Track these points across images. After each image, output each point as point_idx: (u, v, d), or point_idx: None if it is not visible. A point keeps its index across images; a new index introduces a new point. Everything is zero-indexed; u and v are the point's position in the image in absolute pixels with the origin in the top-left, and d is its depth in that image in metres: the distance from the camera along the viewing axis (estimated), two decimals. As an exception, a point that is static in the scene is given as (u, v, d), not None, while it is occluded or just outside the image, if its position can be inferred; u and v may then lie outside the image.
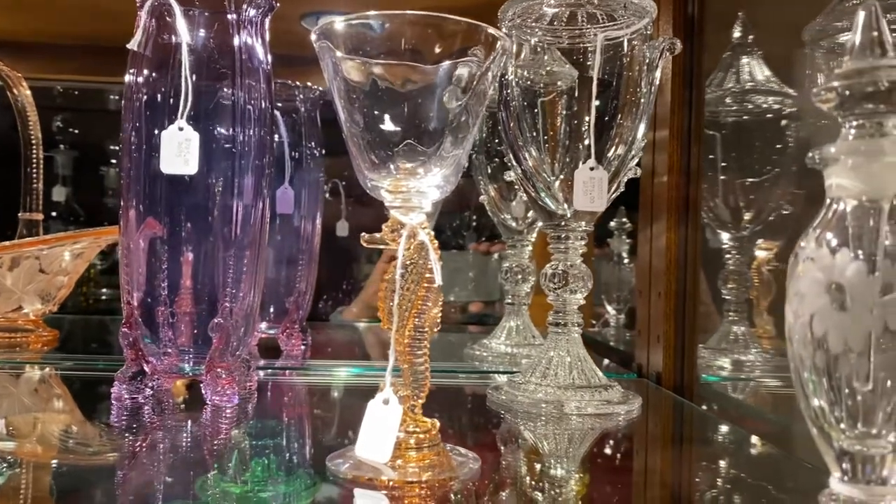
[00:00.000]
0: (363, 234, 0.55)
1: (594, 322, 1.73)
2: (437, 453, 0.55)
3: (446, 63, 0.53)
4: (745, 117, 1.14)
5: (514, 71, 0.84)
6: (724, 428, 0.81)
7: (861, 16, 0.40)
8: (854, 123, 0.39)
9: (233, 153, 0.75)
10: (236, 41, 0.75)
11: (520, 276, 1.15)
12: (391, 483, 0.52)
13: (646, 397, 0.94)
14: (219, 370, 0.73)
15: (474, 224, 2.00)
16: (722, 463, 0.68)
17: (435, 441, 0.55)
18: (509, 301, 1.17)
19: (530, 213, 1.12)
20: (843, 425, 0.39)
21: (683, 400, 0.92)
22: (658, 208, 1.02)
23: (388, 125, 0.53)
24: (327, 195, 1.47)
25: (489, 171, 1.16)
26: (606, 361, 1.19)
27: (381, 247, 0.54)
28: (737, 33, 1.15)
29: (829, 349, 0.38)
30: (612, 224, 1.66)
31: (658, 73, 0.81)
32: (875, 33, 0.39)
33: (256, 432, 0.69)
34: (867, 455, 0.39)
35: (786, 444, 0.75)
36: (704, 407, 0.94)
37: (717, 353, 1.11)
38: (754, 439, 0.73)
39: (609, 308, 1.67)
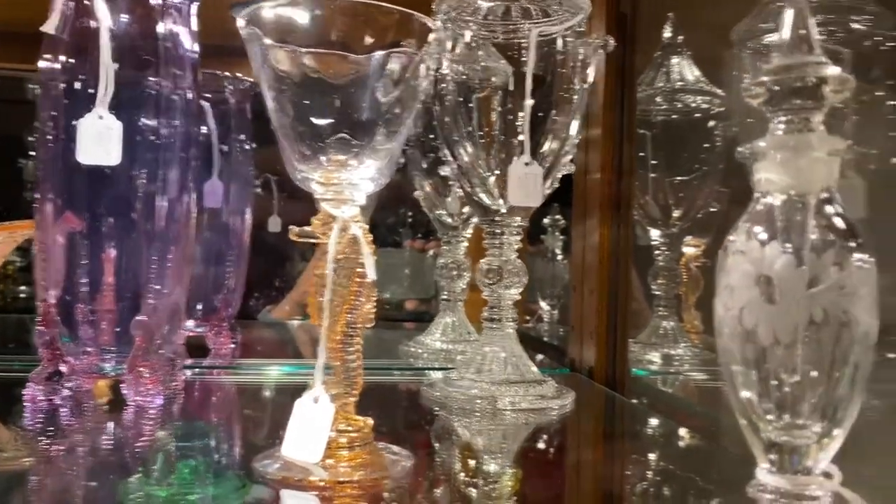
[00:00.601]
0: (292, 227, 0.53)
1: (528, 318, 1.74)
2: (370, 452, 0.54)
3: (379, 53, 0.52)
4: (674, 116, 1.16)
5: (448, 65, 0.83)
6: (653, 421, 0.83)
7: (789, 14, 0.40)
8: (783, 119, 0.40)
9: (156, 145, 0.72)
10: (161, 27, 0.72)
11: (455, 273, 1.15)
12: (322, 483, 0.51)
13: (579, 392, 0.95)
14: (141, 369, 0.70)
15: (410, 220, 1.99)
16: (651, 455, 0.69)
17: (367, 439, 0.54)
18: (445, 297, 1.16)
19: (466, 209, 1.12)
20: (770, 416, 0.39)
21: (615, 394, 0.94)
22: (591, 205, 1.03)
23: (318, 116, 0.52)
24: (259, 190, 1.43)
25: (424, 165, 1.15)
26: (540, 357, 1.19)
27: (311, 241, 0.53)
28: (667, 33, 1.17)
29: (758, 341, 0.38)
30: (546, 221, 1.67)
31: (591, 71, 0.81)
32: (803, 31, 0.39)
33: (182, 433, 0.67)
34: (794, 445, 0.39)
35: (714, 435, 0.77)
36: (635, 401, 0.95)
37: (648, 348, 1.13)
38: (683, 432, 0.75)
39: (543, 304, 1.68)
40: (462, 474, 0.59)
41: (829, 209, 0.39)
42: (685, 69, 1.14)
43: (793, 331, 0.37)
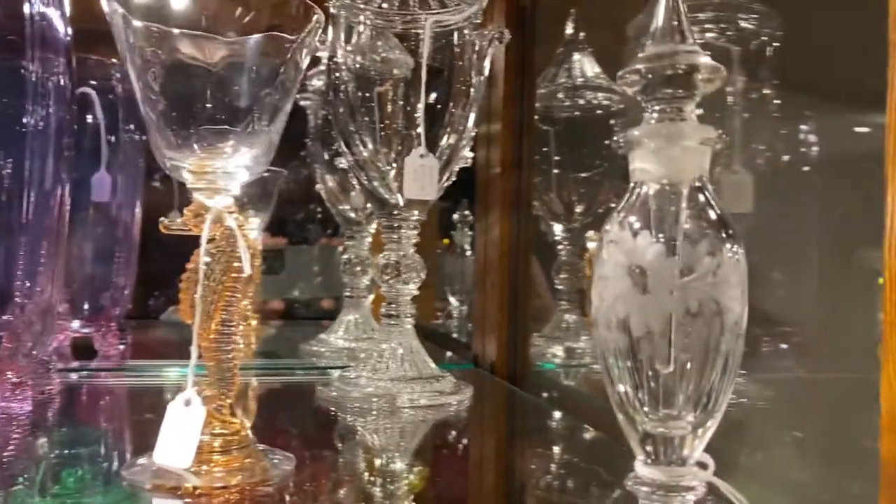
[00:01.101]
0: (162, 219, 0.50)
1: (439, 314, 1.73)
2: (248, 455, 0.51)
3: (255, 37, 0.49)
4: (576, 113, 1.16)
5: (343, 55, 0.81)
6: (549, 415, 0.83)
7: (662, 3, 0.40)
8: (656, 108, 0.39)
9: (24, 133, 0.67)
10: (28, 9, 0.67)
11: (359, 269, 1.12)
12: (196, 491, 0.48)
13: (480, 387, 0.94)
14: (8, 373, 0.65)
15: (319, 216, 1.95)
16: (543, 450, 0.69)
17: (245, 443, 0.51)
18: (348, 294, 1.14)
19: (370, 204, 1.10)
20: (646, 408, 0.39)
21: (515, 388, 0.93)
22: (492, 200, 1.02)
23: (189, 102, 0.49)
24: (158, 183, 1.37)
25: (326, 159, 1.12)
26: (449, 354, 1.18)
27: (183, 233, 0.50)
28: (569, 30, 1.17)
29: (631, 331, 0.37)
30: (456, 216, 1.66)
31: (487, 63, 0.81)
32: (675, 21, 0.39)
33: (53, 440, 0.62)
34: (668, 437, 0.39)
35: (612, 428, 0.77)
36: (545, 395, 0.95)
37: (551, 341, 1.13)
38: (579, 425, 0.75)
39: (452, 300, 1.67)
40: (350, 475, 0.58)
41: (701, 199, 0.39)
42: (586, 66, 1.15)
43: (664, 320, 0.37)
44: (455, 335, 1.53)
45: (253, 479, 0.49)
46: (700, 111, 0.93)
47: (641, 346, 0.38)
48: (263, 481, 0.50)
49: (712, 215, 0.39)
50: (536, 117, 1.16)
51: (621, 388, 0.39)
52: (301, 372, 1.02)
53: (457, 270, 1.68)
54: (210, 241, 0.50)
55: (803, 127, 0.85)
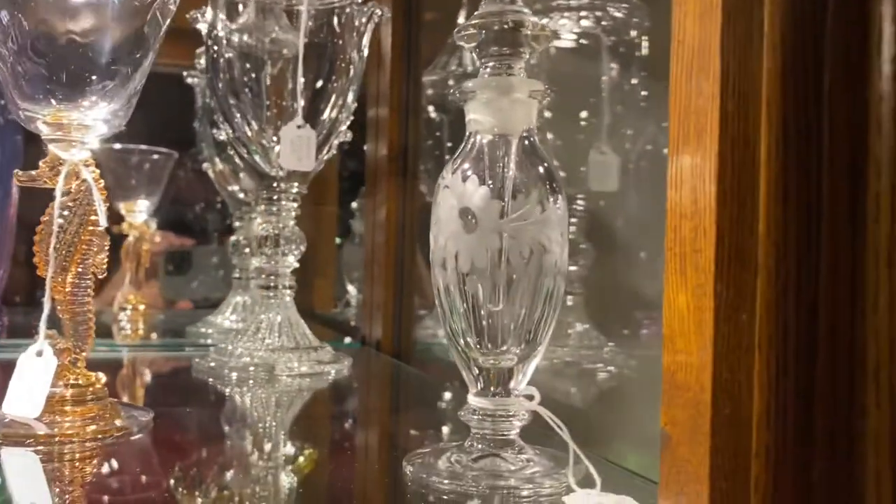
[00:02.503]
0: (16, 171, 0.50)
1: (337, 303, 1.73)
2: (103, 407, 0.51)
3: (115, -8, 0.50)
4: (468, 101, 1.19)
5: (225, 30, 0.81)
6: (426, 382, 0.85)
7: (496, -34, 0.43)
8: (489, 64, 0.42)
9: None
10: None
11: (247, 250, 1.12)
12: (53, 439, 0.48)
13: (365, 362, 0.96)
14: None
15: (219, 207, 1.92)
16: (409, 406, 0.71)
17: (100, 395, 0.51)
18: (237, 276, 1.14)
19: (250, 177, 1.09)
20: (478, 345, 0.42)
21: (398, 362, 0.95)
22: (380, 184, 1.04)
23: (47, 53, 0.49)
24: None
25: (216, 138, 1.11)
26: (348, 339, 1.20)
27: (37, 186, 0.50)
28: (461, 19, 1.21)
29: (459, 269, 0.40)
30: (355, 205, 1.67)
31: (366, 40, 0.82)
32: (507, -16, 0.42)
33: None
34: (498, 369, 0.42)
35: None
36: (443, 374, 0.98)
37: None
38: (445, 386, 0.78)
39: (351, 288, 1.68)
40: (212, 433, 0.58)
41: (529, 149, 0.42)
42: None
43: (489, 258, 0.40)
44: (353, 323, 1.54)
45: (107, 428, 0.50)
46: (584, 114, 0.97)
47: (470, 283, 0.40)
48: (119, 430, 0.50)
49: (539, 165, 0.42)
50: (430, 105, 1.19)
51: (454, 325, 0.42)
52: (189, 349, 1.01)
53: (355, 259, 1.69)
54: (65, 194, 0.50)
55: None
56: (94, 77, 0.50)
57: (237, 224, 1.14)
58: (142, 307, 1.29)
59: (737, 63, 0.31)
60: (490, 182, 0.41)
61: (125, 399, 0.68)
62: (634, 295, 0.90)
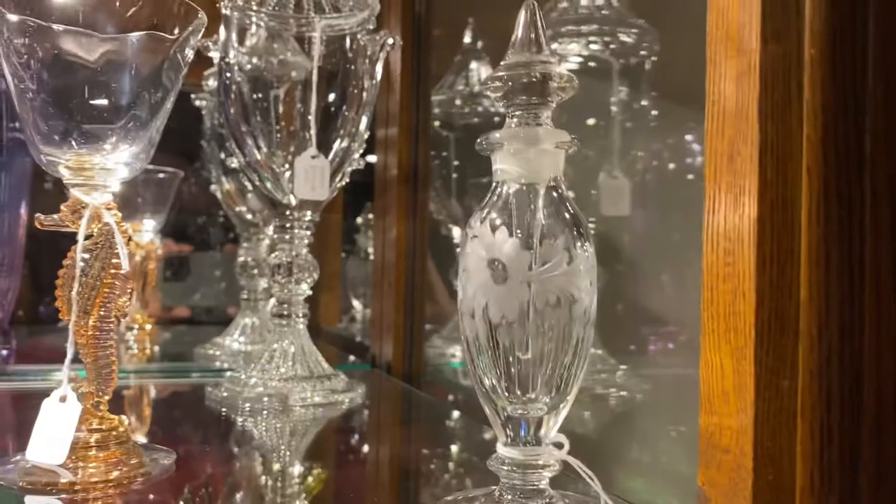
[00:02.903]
0: (38, 215, 0.50)
1: (343, 318, 1.73)
2: (126, 451, 0.51)
3: (134, 34, 0.49)
4: (475, 119, 1.20)
5: (236, 56, 0.81)
6: (441, 410, 0.85)
7: (522, 15, 0.43)
8: (516, 113, 0.42)
9: None
10: None
11: (255, 271, 1.12)
12: (72, 486, 0.48)
13: (376, 386, 0.96)
14: None
15: (222, 220, 1.92)
16: (427, 441, 0.71)
17: (123, 438, 0.51)
18: (244, 297, 1.13)
19: (263, 205, 1.10)
20: (506, 392, 0.42)
21: (409, 386, 0.95)
22: (389, 204, 1.04)
23: (68, 96, 0.49)
24: (49, 185, 1.33)
25: (222, 160, 1.11)
26: (353, 357, 1.19)
27: (59, 229, 0.50)
28: (467, 39, 1.21)
29: (490, 320, 0.40)
30: (360, 220, 1.67)
31: (380, 68, 0.82)
32: (532, 34, 0.42)
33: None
34: (527, 418, 0.42)
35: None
36: (453, 397, 0.97)
37: (451, 342, 1.16)
38: (461, 418, 0.77)
39: (356, 304, 1.68)
40: (233, 470, 0.58)
41: (556, 198, 0.42)
42: (483, 73, 1.19)
43: (520, 309, 0.40)
44: (358, 338, 1.54)
45: (131, 474, 0.49)
46: (592, 120, 0.97)
47: (500, 334, 0.40)
48: (142, 475, 0.50)
49: (566, 213, 0.42)
50: (437, 123, 1.19)
51: (483, 374, 0.42)
52: (197, 374, 1.01)
53: (360, 274, 1.69)
54: (87, 237, 0.50)
55: (687, 137, 0.91)
56: (115, 118, 0.50)
57: (245, 245, 1.14)
58: (148, 326, 1.29)
59: (775, 128, 0.31)
60: (518, 232, 0.41)
61: (138, 433, 0.68)
62: (645, 316, 0.90)
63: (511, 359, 0.41)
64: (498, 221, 0.41)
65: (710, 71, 0.33)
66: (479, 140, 0.43)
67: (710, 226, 0.34)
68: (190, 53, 0.53)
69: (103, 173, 0.50)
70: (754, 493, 0.30)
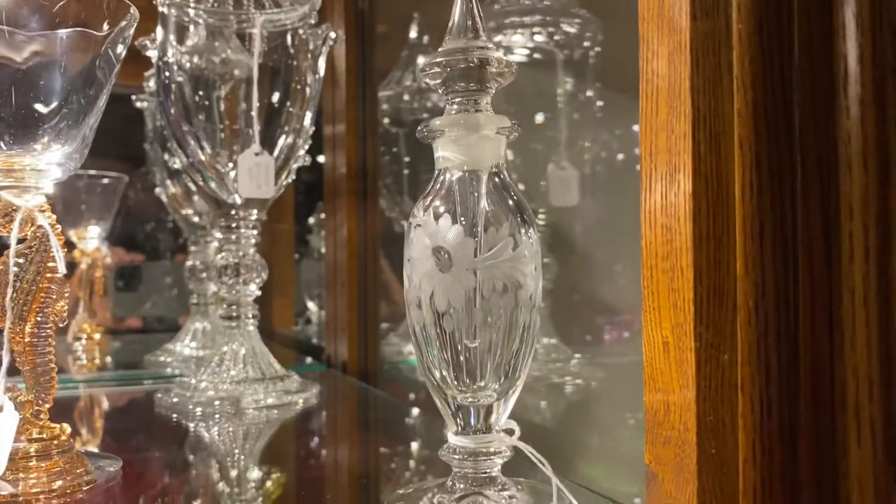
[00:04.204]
0: (-32, 219, 0.48)
1: (298, 321, 1.72)
2: (70, 460, 0.49)
3: (62, 32, 0.48)
4: (424, 114, 1.19)
5: (175, 54, 0.80)
6: (397, 407, 0.84)
7: (459, 2, 0.42)
8: (455, 100, 0.42)
9: None
10: None
11: (204, 275, 1.10)
12: (17, 499, 0.46)
13: (332, 386, 0.95)
14: None
15: (170, 226, 1.88)
16: (383, 437, 0.70)
17: (65, 447, 0.50)
18: (194, 301, 1.11)
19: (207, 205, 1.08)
20: (456, 381, 0.41)
21: (365, 385, 0.95)
22: (339, 202, 1.03)
23: (-7, 96, 0.47)
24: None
25: (166, 162, 1.09)
26: (309, 359, 1.18)
27: (-10, 234, 0.48)
28: (412, 34, 1.21)
29: (436, 308, 0.40)
30: (312, 221, 1.65)
31: (322, 62, 0.82)
32: (469, 20, 0.42)
33: None
34: (477, 406, 0.42)
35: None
36: (412, 394, 0.97)
37: (407, 339, 1.15)
38: (418, 412, 0.77)
39: (311, 306, 1.66)
40: (183, 477, 0.57)
41: (499, 184, 0.42)
42: (430, 69, 1.18)
43: (465, 296, 0.39)
44: (315, 340, 1.53)
45: (75, 483, 0.48)
46: (541, 116, 0.97)
47: (446, 322, 0.40)
48: (87, 483, 0.48)
49: (509, 200, 0.42)
50: (386, 120, 1.18)
51: (432, 363, 0.42)
52: (148, 381, 0.99)
53: (314, 276, 1.67)
54: (21, 241, 0.48)
55: (634, 127, 0.92)
56: (45, 117, 0.48)
57: (192, 248, 1.12)
58: (97, 335, 1.26)
59: (707, 103, 0.31)
60: (462, 219, 0.40)
61: (87, 444, 0.66)
62: (598, 305, 0.90)
63: (459, 347, 0.41)
64: (441, 209, 0.41)
65: (644, 50, 0.34)
66: (419, 127, 0.42)
67: (646, 204, 0.34)
68: (122, 49, 0.51)
69: (35, 174, 0.48)
70: (699, 467, 0.30)
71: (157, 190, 1.09)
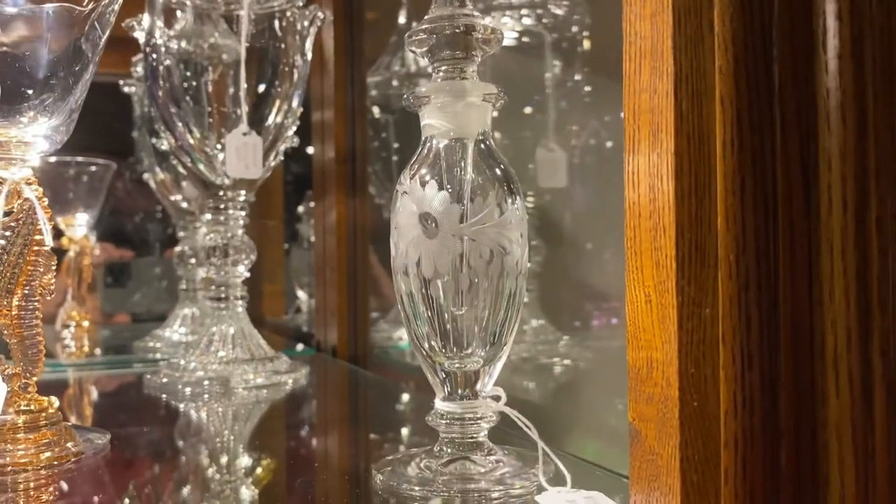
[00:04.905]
0: (-47, 192, 0.48)
1: (288, 309, 1.71)
2: (58, 432, 0.49)
3: (48, 6, 0.48)
4: (412, 101, 1.19)
5: (163, 37, 0.79)
6: (383, 386, 0.85)
7: (444, -30, 0.43)
8: (442, 68, 0.42)
9: None
10: None
11: (193, 260, 1.10)
12: (5, 469, 0.46)
13: (322, 369, 0.95)
14: None
15: (159, 216, 1.88)
16: (371, 412, 0.71)
17: (54, 419, 0.50)
18: (183, 287, 1.11)
19: (196, 187, 1.07)
20: (443, 348, 0.42)
21: (355, 367, 0.95)
22: (328, 188, 1.03)
23: (-21, 68, 0.47)
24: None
25: (155, 146, 1.09)
26: (301, 346, 1.18)
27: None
28: (402, 19, 1.20)
29: (423, 274, 0.40)
30: (301, 209, 1.65)
31: (310, 44, 0.82)
32: (456, -13, 0.42)
33: None
34: (464, 372, 0.42)
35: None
36: (400, 378, 0.97)
37: (397, 325, 1.15)
38: (408, 392, 0.77)
39: (301, 293, 1.66)
40: (171, 452, 0.57)
41: (485, 151, 0.42)
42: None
43: (451, 263, 0.40)
44: (305, 329, 1.53)
45: (63, 454, 0.48)
46: (528, 109, 0.97)
47: (433, 288, 0.40)
48: (75, 455, 0.49)
49: (495, 167, 0.42)
50: (375, 106, 1.18)
51: (419, 330, 0.42)
52: (138, 365, 0.99)
53: (304, 264, 1.67)
54: (7, 214, 0.48)
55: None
56: (31, 91, 0.48)
57: (181, 234, 1.12)
58: (86, 323, 1.26)
59: (689, 62, 0.31)
60: (448, 186, 0.41)
61: (77, 422, 0.66)
62: (587, 288, 0.91)
63: (446, 315, 0.41)
64: (428, 177, 0.41)
65: (626, 11, 0.34)
66: (405, 95, 0.42)
67: (630, 165, 0.34)
68: (109, 22, 0.51)
69: (21, 147, 0.48)
70: (681, 421, 0.31)
71: (146, 176, 1.09)
